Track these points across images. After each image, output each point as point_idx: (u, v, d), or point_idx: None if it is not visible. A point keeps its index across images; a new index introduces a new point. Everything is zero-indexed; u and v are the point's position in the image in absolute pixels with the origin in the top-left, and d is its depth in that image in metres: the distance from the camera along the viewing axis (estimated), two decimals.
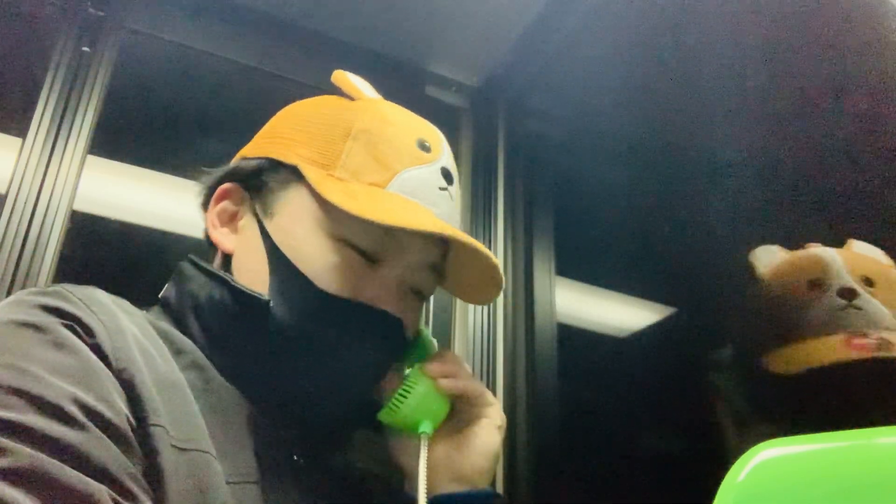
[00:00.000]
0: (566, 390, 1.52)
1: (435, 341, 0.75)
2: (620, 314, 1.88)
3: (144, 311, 0.67)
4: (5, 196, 1.19)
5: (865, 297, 1.00)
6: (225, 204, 0.72)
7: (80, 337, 0.53)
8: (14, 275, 1.14)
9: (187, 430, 0.55)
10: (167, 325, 0.65)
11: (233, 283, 0.65)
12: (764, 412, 1.07)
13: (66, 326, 0.53)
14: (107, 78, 1.34)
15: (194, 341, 0.65)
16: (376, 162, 0.66)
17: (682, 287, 1.70)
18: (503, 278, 0.68)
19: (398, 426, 0.68)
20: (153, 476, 0.51)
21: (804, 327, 1.02)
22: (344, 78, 0.75)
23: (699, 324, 1.60)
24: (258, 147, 0.73)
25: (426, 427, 0.66)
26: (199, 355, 0.64)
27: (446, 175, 0.70)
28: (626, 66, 1.52)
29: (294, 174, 0.68)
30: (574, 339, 1.64)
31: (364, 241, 0.65)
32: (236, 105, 1.58)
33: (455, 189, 0.72)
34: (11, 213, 1.18)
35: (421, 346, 0.72)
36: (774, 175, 1.57)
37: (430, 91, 1.66)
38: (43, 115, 1.26)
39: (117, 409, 0.51)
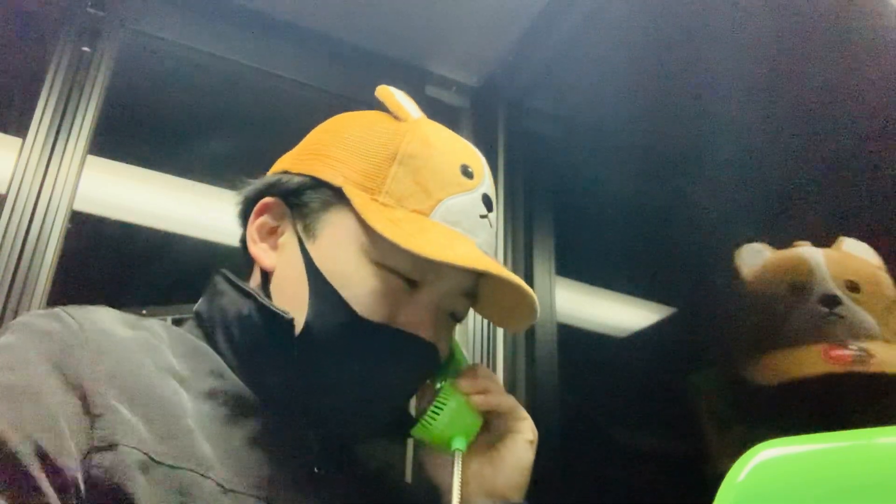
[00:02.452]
0: (566, 390, 1.51)
1: (466, 355, 0.75)
2: (620, 314, 1.88)
3: (175, 324, 0.69)
4: (5, 196, 1.19)
5: (848, 305, 0.98)
6: (265, 218, 0.71)
7: (56, 364, 0.54)
8: (14, 275, 1.14)
9: (172, 447, 0.55)
10: (193, 339, 0.67)
11: (260, 300, 0.65)
12: (744, 420, 1.06)
13: (45, 352, 0.54)
14: (107, 78, 1.34)
15: (221, 355, 0.66)
16: (420, 189, 0.66)
17: (682, 287, 1.70)
18: (538, 311, 0.67)
19: (431, 442, 0.68)
20: (123, 497, 0.51)
21: (784, 335, 1.00)
22: (389, 95, 0.74)
23: (699, 324, 1.60)
24: (301, 162, 0.72)
25: (459, 443, 0.66)
26: (222, 366, 0.65)
27: (487, 202, 0.70)
28: (626, 66, 1.52)
29: (337, 195, 0.67)
30: (574, 339, 1.64)
31: (406, 268, 0.65)
32: (236, 105, 1.58)
33: (494, 215, 0.72)
34: (11, 213, 1.18)
35: (453, 361, 0.72)
36: (775, 174, 1.57)
37: (430, 91, 1.66)
38: (43, 115, 1.25)
39: (57, 437, 0.51)
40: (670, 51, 1.48)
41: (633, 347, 1.80)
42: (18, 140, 1.23)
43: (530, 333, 1.52)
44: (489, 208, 0.70)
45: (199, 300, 0.71)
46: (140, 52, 1.43)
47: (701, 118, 1.56)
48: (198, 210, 1.55)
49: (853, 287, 1.00)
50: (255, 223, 0.71)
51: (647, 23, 1.44)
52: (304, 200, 0.69)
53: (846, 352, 0.93)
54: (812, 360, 0.94)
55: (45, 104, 1.26)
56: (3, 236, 1.16)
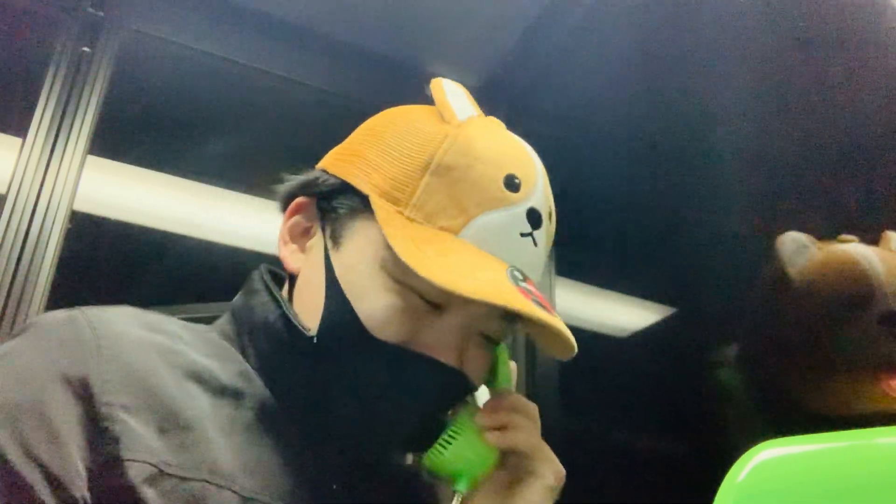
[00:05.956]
0: (566, 390, 1.52)
1: (512, 370, 0.70)
2: (620, 314, 1.88)
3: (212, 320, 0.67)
4: (5, 196, 1.19)
5: None
6: (298, 218, 0.68)
7: (63, 376, 0.53)
8: (14, 275, 1.14)
9: (185, 457, 0.54)
10: (220, 339, 0.65)
11: (285, 311, 0.62)
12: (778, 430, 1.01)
13: (54, 363, 0.53)
14: (107, 78, 1.34)
15: (246, 357, 0.64)
16: (453, 204, 0.60)
17: (682, 287, 1.70)
18: (574, 346, 0.62)
19: (439, 474, 0.64)
20: None
21: (839, 354, 0.93)
22: (439, 90, 0.67)
23: (699, 324, 1.60)
24: (338, 164, 0.67)
25: (461, 485, 0.61)
26: (247, 369, 0.63)
27: (533, 218, 0.63)
28: (626, 65, 1.52)
29: (366, 203, 0.62)
30: (574, 338, 1.64)
31: (427, 290, 0.60)
32: (236, 105, 1.58)
33: (543, 232, 0.65)
34: (11, 213, 1.18)
35: (493, 382, 0.68)
36: (776, 173, 1.57)
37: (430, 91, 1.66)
38: (43, 115, 1.26)
39: (63, 455, 0.50)
40: (670, 50, 1.48)
41: (634, 347, 1.80)
42: (18, 140, 1.23)
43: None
44: (535, 225, 0.63)
45: (237, 295, 0.69)
46: (140, 52, 1.43)
47: (702, 117, 1.56)
48: (198, 210, 1.55)
49: None
50: (288, 223, 0.68)
51: (647, 22, 1.44)
52: (333, 205, 0.65)
53: None
54: (877, 397, 0.88)
55: (45, 104, 1.26)
56: (3, 236, 1.16)
